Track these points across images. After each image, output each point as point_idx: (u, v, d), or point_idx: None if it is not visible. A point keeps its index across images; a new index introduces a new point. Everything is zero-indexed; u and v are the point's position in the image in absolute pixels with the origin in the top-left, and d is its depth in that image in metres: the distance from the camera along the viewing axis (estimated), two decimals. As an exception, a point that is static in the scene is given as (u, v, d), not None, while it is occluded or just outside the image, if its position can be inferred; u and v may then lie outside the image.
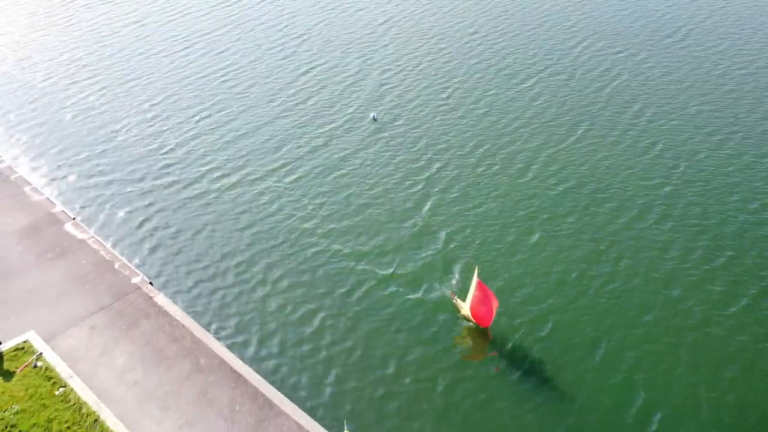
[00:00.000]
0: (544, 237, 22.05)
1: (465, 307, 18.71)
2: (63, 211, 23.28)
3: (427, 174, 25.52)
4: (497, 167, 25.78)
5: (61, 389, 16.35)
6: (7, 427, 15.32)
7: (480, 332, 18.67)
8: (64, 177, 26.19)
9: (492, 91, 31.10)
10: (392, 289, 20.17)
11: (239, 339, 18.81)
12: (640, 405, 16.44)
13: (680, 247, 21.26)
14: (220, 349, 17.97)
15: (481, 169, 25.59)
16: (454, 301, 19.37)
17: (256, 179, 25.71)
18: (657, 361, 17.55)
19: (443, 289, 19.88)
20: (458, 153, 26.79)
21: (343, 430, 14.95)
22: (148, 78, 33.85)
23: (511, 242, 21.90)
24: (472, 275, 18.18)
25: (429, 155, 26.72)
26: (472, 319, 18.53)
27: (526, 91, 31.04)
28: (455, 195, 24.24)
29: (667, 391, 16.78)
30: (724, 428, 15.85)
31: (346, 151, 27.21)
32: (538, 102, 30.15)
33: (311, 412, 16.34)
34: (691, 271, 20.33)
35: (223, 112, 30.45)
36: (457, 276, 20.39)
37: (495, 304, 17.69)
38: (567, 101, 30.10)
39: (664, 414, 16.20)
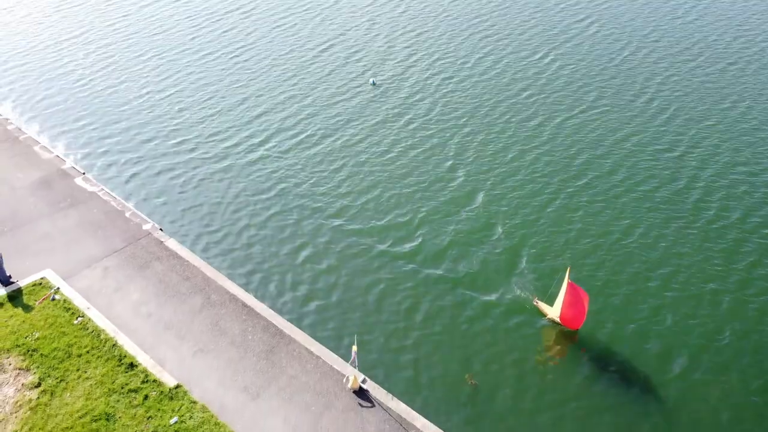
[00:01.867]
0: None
1: (552, 310, 17.80)
2: (73, 167, 23.88)
3: (459, 160, 26.36)
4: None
5: (79, 319, 16.98)
6: (28, 351, 15.92)
7: (566, 334, 17.71)
8: (73, 138, 26.81)
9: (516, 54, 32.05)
10: (459, 290, 19.22)
11: (252, 282, 19.47)
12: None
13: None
14: (231, 286, 18.64)
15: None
16: (536, 303, 18.34)
17: (265, 137, 26.45)
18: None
19: (519, 291, 18.87)
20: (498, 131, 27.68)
21: (353, 345, 15.52)
22: (157, 51, 34.45)
23: (591, 231, 21.21)
24: (564, 276, 17.09)
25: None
26: (560, 322, 17.55)
27: (552, 53, 32.00)
28: (505, 181, 24.07)
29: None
30: None
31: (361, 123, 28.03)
32: (565, 69, 31.11)
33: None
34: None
35: (228, 80, 31.14)
36: (530, 276, 19.43)
37: (586, 306, 16.73)
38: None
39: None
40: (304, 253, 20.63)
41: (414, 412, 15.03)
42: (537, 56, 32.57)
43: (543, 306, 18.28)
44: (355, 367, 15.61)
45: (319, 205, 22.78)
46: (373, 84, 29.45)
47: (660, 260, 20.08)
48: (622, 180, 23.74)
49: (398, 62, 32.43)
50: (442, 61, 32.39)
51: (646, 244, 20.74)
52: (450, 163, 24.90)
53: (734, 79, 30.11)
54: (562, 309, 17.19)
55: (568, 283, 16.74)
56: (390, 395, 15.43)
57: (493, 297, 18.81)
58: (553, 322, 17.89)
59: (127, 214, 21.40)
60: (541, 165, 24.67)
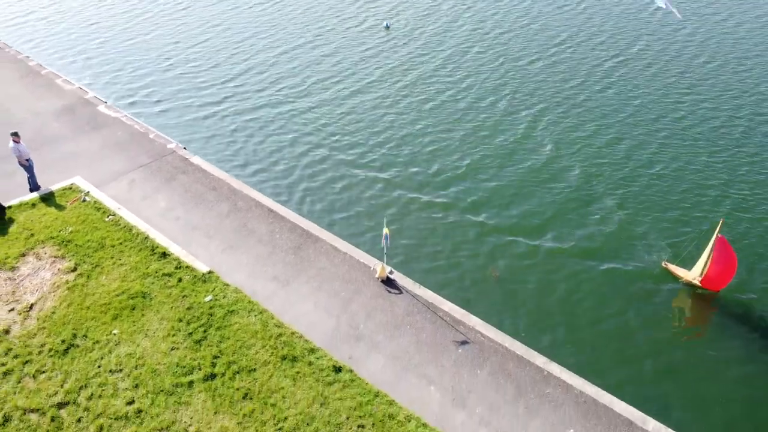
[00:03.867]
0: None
1: (689, 272, 16.35)
2: (95, 97, 24.24)
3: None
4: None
5: (110, 217, 17.34)
6: (63, 242, 16.27)
7: (702, 298, 16.31)
8: (94, 73, 27.33)
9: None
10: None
11: (277, 195, 19.91)
12: None
13: None
14: (256, 195, 19.01)
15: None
16: (665, 266, 16.91)
17: (287, 71, 26.89)
18: None
19: (650, 256, 17.42)
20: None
21: (383, 229, 15.66)
22: None
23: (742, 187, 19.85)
24: (712, 233, 15.57)
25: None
26: (699, 284, 16.06)
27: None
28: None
29: None
30: None
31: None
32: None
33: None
34: None
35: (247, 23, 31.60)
36: (655, 239, 18.00)
37: (735, 266, 15.25)
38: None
39: None
40: (330, 174, 21.15)
41: (440, 297, 15.41)
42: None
43: (675, 268, 16.75)
44: (386, 249, 15.67)
45: (346, 139, 23.23)
46: (387, 27, 29.87)
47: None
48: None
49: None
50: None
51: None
52: (527, 125, 24.89)
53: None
54: (708, 267, 15.55)
55: (718, 238, 15.13)
56: (417, 284, 15.81)
57: (613, 264, 17.15)
58: (689, 284, 16.39)
59: (151, 136, 21.76)
60: (646, 114, 24.03)
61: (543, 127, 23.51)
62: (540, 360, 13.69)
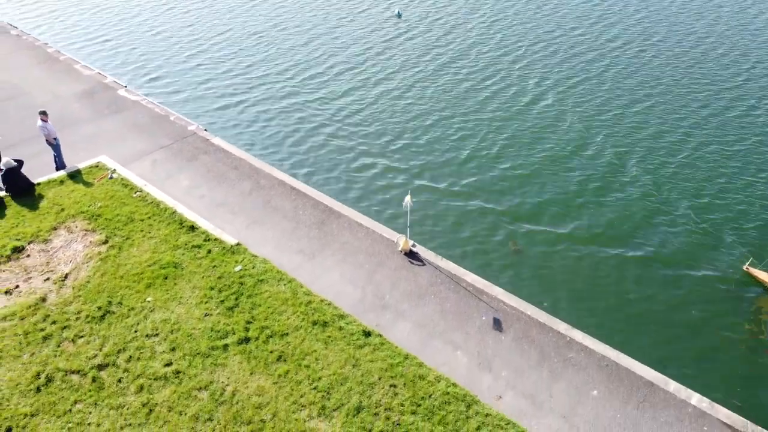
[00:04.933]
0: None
1: None
2: (115, 81, 24.61)
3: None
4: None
5: (137, 193, 17.71)
6: (93, 216, 16.64)
7: None
8: (112, 59, 27.72)
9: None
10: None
11: (298, 175, 20.32)
12: None
13: None
14: (278, 174, 19.39)
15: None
16: (747, 270, 16.64)
17: (305, 54, 27.25)
18: None
19: (724, 261, 17.11)
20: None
21: (406, 196, 15.92)
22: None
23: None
24: None
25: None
26: None
27: None
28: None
29: None
30: None
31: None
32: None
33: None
34: None
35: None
36: (731, 243, 17.74)
37: None
38: None
39: None
40: (350, 155, 21.53)
41: (463, 269, 15.81)
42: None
43: (758, 272, 16.42)
44: (409, 215, 15.74)
45: (365, 124, 23.61)
46: (399, 15, 30.28)
47: None
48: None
49: None
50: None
51: None
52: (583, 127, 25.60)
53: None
54: None
55: None
56: (439, 257, 16.21)
57: (689, 271, 16.91)
58: None
59: (172, 118, 22.13)
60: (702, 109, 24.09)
61: (597, 127, 23.94)
62: (562, 327, 14.10)
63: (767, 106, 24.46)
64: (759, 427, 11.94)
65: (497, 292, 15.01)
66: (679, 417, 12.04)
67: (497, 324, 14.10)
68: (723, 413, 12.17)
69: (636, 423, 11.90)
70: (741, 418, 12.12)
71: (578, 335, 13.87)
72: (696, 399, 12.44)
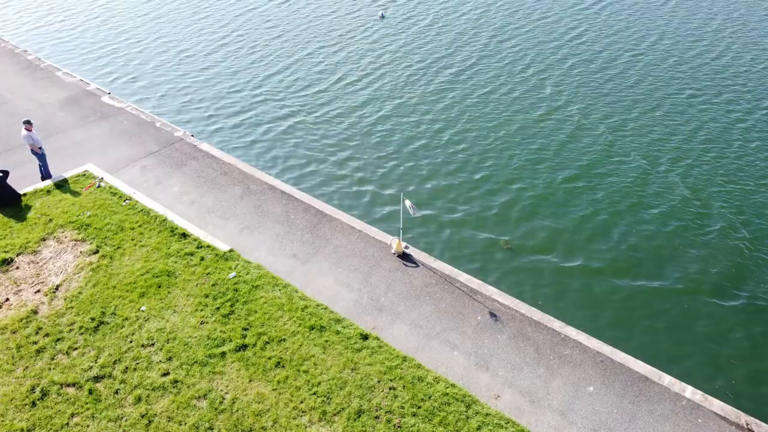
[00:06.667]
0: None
1: None
2: (98, 88, 24.34)
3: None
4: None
5: (127, 201, 17.56)
6: (82, 226, 16.47)
7: None
8: (94, 65, 27.40)
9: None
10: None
11: (289, 180, 20.30)
12: None
13: None
14: (268, 179, 19.34)
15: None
16: None
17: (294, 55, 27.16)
18: None
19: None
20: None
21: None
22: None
23: None
24: None
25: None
26: None
27: None
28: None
29: None
30: None
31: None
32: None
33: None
34: None
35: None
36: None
37: None
38: None
39: None
40: (341, 154, 21.54)
41: (456, 270, 15.90)
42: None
43: None
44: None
45: (357, 113, 23.63)
46: (382, 17, 30.33)
47: None
48: None
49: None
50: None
51: None
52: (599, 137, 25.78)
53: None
54: None
55: None
56: (433, 258, 16.29)
57: (678, 263, 16.79)
58: None
59: (158, 124, 21.95)
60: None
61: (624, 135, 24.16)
62: (557, 324, 14.25)
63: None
64: (752, 417, 12.19)
65: (491, 291, 15.13)
66: (674, 410, 12.25)
67: (493, 323, 14.22)
68: (717, 405, 12.40)
69: (632, 417, 12.09)
70: (734, 409, 12.36)
71: (572, 332, 14.03)
72: (690, 391, 12.66)
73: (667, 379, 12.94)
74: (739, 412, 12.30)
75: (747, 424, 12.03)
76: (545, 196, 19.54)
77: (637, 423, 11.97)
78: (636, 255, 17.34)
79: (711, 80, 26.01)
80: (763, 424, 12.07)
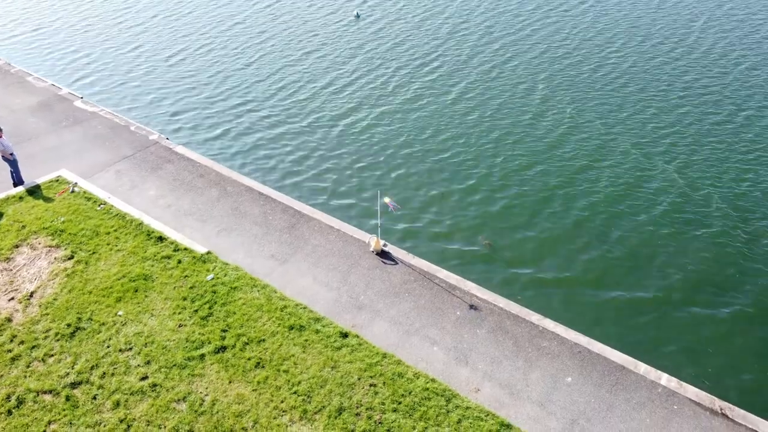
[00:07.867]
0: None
1: None
2: (70, 93, 24.02)
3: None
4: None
5: (102, 206, 17.36)
6: (56, 231, 16.25)
7: None
8: (63, 70, 27.04)
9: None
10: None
11: (266, 181, 20.24)
12: None
13: None
14: (245, 180, 19.25)
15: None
16: None
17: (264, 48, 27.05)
18: None
19: None
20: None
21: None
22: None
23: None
24: None
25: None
26: None
27: None
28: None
29: None
30: None
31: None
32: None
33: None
34: None
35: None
36: None
37: None
38: None
39: None
40: (319, 154, 21.52)
41: (435, 266, 15.99)
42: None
43: None
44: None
45: (331, 113, 23.62)
46: (357, 16, 30.37)
47: None
48: None
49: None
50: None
51: None
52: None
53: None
54: None
55: None
56: (411, 255, 16.36)
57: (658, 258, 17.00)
58: None
59: (132, 128, 21.74)
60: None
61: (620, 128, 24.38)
62: (535, 317, 14.40)
63: None
64: (725, 403, 12.43)
65: (470, 286, 15.24)
66: (650, 397, 12.45)
67: (472, 318, 14.32)
68: (692, 391, 12.63)
69: (610, 406, 12.26)
70: (709, 395, 12.60)
71: (550, 324, 14.19)
72: (665, 379, 12.88)
73: (642, 368, 13.15)
74: (714, 397, 12.54)
75: (721, 409, 12.28)
76: (525, 194, 19.72)
77: (615, 411, 12.15)
78: (613, 254, 17.60)
79: (698, 80, 26.49)
80: (737, 408, 12.32)
